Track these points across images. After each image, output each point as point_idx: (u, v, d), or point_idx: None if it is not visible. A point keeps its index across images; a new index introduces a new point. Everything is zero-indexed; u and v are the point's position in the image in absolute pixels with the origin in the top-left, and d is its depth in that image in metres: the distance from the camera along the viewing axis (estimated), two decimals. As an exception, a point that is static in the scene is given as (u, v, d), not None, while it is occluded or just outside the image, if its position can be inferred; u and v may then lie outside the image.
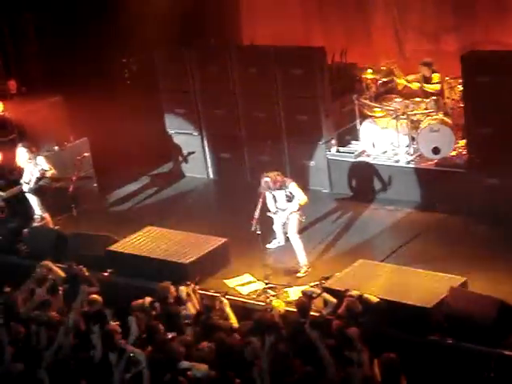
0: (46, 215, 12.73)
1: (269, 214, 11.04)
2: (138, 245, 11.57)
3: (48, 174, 12.55)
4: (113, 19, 15.15)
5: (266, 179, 10.83)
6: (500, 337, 8.86)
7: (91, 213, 13.28)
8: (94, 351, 8.70)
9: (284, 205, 10.96)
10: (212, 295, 10.07)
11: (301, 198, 10.88)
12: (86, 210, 13.19)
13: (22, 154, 12.72)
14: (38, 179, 12.54)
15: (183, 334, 9.00)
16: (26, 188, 12.70)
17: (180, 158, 14.65)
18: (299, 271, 10.90)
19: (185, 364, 8.22)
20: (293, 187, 10.88)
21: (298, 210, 10.89)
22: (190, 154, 14.48)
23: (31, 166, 12.61)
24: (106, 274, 11.31)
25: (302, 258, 10.96)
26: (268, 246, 11.56)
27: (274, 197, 11.04)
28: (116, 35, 15.03)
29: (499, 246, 10.63)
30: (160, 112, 14.59)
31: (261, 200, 10.71)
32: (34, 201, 12.72)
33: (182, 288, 9.72)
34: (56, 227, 12.59)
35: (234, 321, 9.27)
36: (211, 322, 9.21)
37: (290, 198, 10.90)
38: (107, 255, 11.52)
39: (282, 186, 10.87)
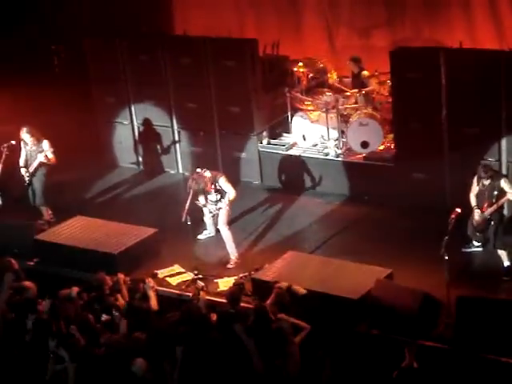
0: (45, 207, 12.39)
1: (198, 203, 11.05)
2: (67, 234, 11.46)
3: (50, 161, 12.20)
4: (46, 6, 14.93)
5: (194, 176, 10.82)
6: (424, 328, 9.07)
7: (20, 202, 13.04)
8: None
9: (214, 197, 10.98)
10: (137, 278, 10.05)
11: (230, 192, 10.91)
12: (14, 199, 12.94)
13: (26, 139, 12.22)
14: (40, 165, 12.20)
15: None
16: (24, 172, 12.26)
17: (111, 148, 14.54)
18: (229, 262, 10.96)
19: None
20: (222, 182, 10.89)
21: (227, 204, 10.93)
22: (120, 143, 14.38)
23: (33, 151, 12.19)
24: (31, 263, 11.19)
25: (232, 249, 11.00)
26: (198, 237, 11.59)
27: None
28: (48, 22, 14.83)
29: (424, 239, 10.81)
30: (90, 101, 14.44)
31: (191, 191, 10.72)
32: (37, 188, 12.31)
33: (121, 276, 9.71)
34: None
35: (154, 303, 9.28)
36: (133, 304, 9.24)
37: (219, 191, 10.93)
38: (35, 244, 11.40)
39: (209, 182, 10.83)
